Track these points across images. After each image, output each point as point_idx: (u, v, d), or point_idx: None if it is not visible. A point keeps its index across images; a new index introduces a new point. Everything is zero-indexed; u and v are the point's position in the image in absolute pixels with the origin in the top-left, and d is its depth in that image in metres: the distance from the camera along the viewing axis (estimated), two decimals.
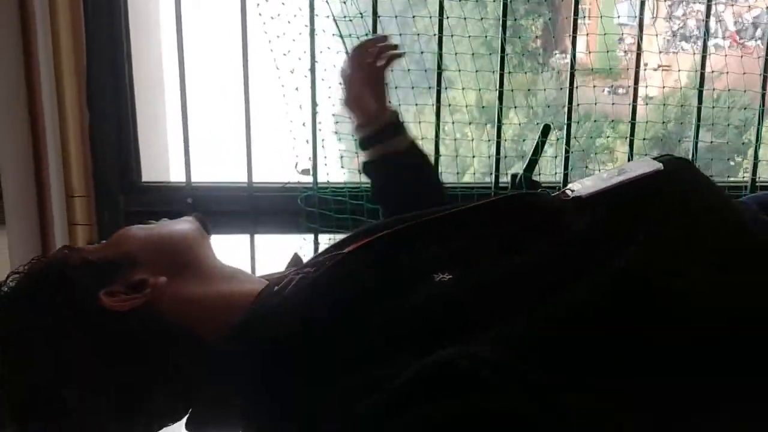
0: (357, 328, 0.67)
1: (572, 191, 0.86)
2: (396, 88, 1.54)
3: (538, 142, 1.59)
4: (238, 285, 0.81)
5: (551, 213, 0.83)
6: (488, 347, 0.60)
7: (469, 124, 1.74)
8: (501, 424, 0.53)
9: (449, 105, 1.71)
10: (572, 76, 1.65)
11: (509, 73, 1.64)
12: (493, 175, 1.63)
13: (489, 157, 1.76)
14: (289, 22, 1.50)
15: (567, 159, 1.63)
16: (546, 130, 1.58)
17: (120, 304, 0.73)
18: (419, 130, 1.62)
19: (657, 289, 0.69)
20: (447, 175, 1.70)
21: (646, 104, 1.73)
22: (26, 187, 1.48)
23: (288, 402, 0.66)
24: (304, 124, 1.55)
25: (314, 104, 1.55)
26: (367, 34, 1.51)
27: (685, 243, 0.74)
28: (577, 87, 1.65)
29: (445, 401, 0.54)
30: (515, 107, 1.72)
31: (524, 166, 1.62)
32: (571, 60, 1.63)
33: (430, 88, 1.64)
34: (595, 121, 2.57)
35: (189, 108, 1.58)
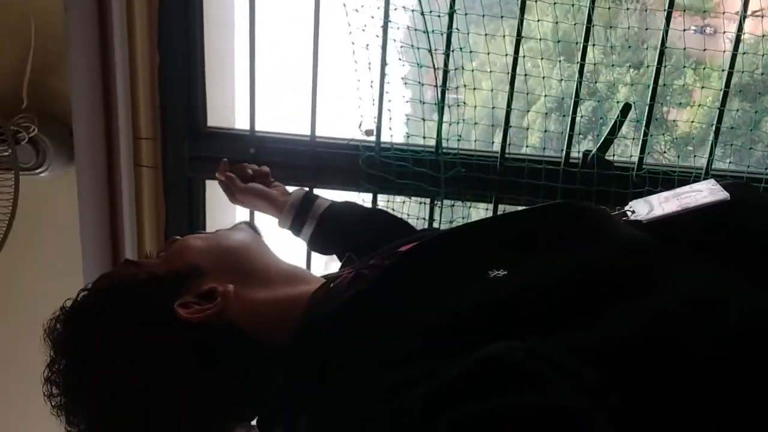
0: (412, 325, 0.66)
1: (632, 212, 0.82)
2: (466, 15, 1.46)
3: (616, 121, 1.50)
4: (299, 286, 0.82)
5: (607, 223, 0.80)
6: (543, 342, 0.59)
7: (540, 59, 1.63)
8: (553, 420, 0.51)
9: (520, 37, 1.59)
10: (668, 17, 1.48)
11: (590, 6, 1.49)
12: (564, 152, 1.56)
13: (562, 95, 1.65)
14: None
15: (644, 143, 1.53)
16: (626, 109, 1.49)
17: (196, 315, 0.73)
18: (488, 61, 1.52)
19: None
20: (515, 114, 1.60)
21: (744, 52, 1.53)
22: (96, 128, 1.51)
23: (341, 392, 0.66)
24: (371, 84, 1.50)
25: (384, 64, 1.50)
26: None
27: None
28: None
29: (499, 395, 0.53)
30: (593, 44, 1.56)
31: (598, 144, 1.54)
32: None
33: (502, 17, 1.55)
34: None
35: (257, 59, 1.55)
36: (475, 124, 1.57)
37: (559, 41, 1.68)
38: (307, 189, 1.30)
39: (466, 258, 0.76)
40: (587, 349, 0.60)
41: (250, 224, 0.91)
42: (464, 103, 1.56)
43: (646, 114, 1.55)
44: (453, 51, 1.50)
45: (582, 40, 1.50)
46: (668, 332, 0.63)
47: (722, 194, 0.76)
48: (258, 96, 1.62)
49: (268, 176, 1.33)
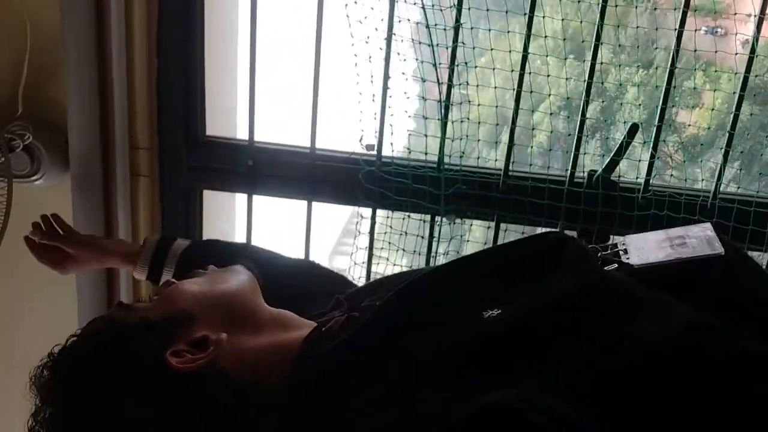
0: (404, 366, 0.66)
1: (624, 252, 0.82)
2: (469, 9, 1.43)
3: (622, 142, 1.47)
4: (291, 331, 0.81)
5: (592, 263, 0.80)
6: (542, 392, 0.58)
7: (546, 56, 1.59)
8: None
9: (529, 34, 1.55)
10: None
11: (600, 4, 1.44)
12: (569, 171, 1.52)
13: (567, 95, 1.61)
14: None
15: (651, 165, 1.50)
16: (633, 131, 1.46)
17: (188, 365, 0.71)
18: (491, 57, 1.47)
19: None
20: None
21: (756, 55, 1.47)
22: (92, 136, 1.49)
23: None
24: (373, 98, 1.47)
25: (386, 77, 1.47)
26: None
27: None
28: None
29: None
30: (601, 43, 1.50)
31: (604, 165, 1.51)
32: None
33: (507, 11, 1.51)
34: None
35: (258, 70, 1.52)
36: (479, 141, 1.53)
37: (564, 39, 1.63)
38: (161, 234, 1.31)
39: (460, 296, 0.75)
40: (585, 393, 0.59)
41: (248, 266, 0.89)
42: (467, 118, 1.52)
43: (654, 134, 1.52)
44: (458, 65, 1.46)
45: (593, 40, 1.45)
46: (656, 365, 0.62)
47: (718, 248, 0.75)
48: (260, 106, 1.60)
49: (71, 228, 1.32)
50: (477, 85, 1.48)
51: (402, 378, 0.64)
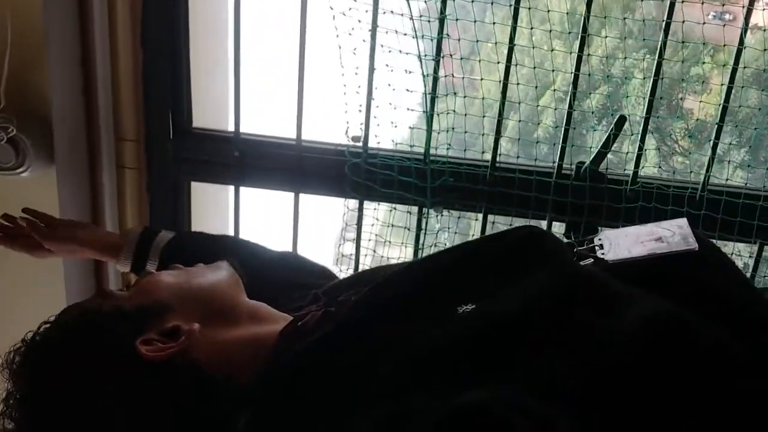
0: (378, 364, 0.66)
1: (600, 247, 0.82)
2: (457, 20, 1.41)
3: (610, 134, 1.45)
4: (266, 325, 0.81)
5: (567, 257, 0.80)
6: (518, 390, 0.58)
7: (549, 31, 1.57)
8: None
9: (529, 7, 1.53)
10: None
11: None
12: (556, 164, 1.51)
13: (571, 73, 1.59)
14: None
15: (639, 157, 1.48)
16: (620, 122, 1.44)
17: (157, 354, 0.71)
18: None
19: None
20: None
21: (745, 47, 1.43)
22: (76, 128, 1.48)
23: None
24: (359, 90, 1.46)
25: (371, 69, 1.45)
26: None
27: None
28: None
29: None
30: (588, 34, 1.45)
31: (591, 157, 1.50)
32: None
33: (492, 2, 1.48)
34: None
35: (246, 62, 1.51)
36: (465, 132, 1.52)
37: (550, 30, 1.60)
38: (144, 226, 1.30)
39: (435, 292, 0.75)
40: (563, 390, 0.59)
41: (233, 264, 0.89)
42: (453, 110, 1.51)
43: (642, 125, 1.50)
44: (443, 57, 1.45)
45: (580, 32, 1.43)
46: (633, 359, 0.62)
47: (692, 244, 0.75)
48: (248, 98, 1.59)
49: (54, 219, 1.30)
50: (463, 77, 1.47)
51: (375, 377, 0.64)
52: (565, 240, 0.90)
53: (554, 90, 1.61)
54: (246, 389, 0.72)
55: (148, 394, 0.71)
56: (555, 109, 1.61)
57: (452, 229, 1.60)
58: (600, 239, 0.83)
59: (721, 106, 1.43)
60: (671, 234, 0.77)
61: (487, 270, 0.77)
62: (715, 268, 0.78)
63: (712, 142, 1.47)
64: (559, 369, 0.61)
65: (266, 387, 0.72)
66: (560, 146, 1.50)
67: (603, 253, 0.80)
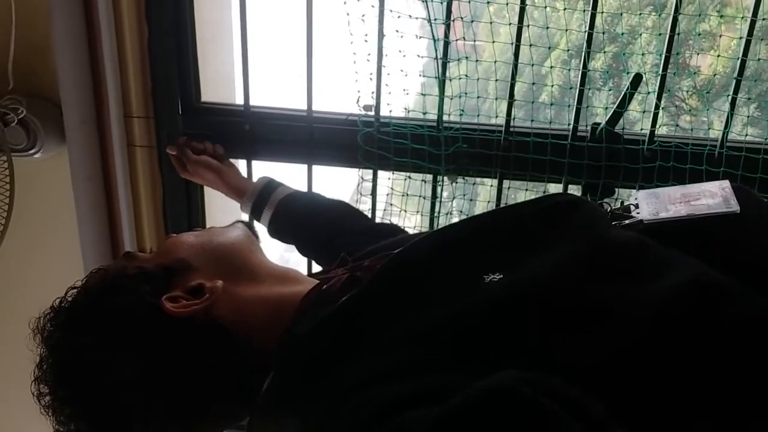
0: (405, 334, 0.64)
1: (636, 205, 0.79)
2: None
3: (625, 94, 1.42)
4: (291, 286, 0.82)
5: (601, 226, 0.77)
6: (547, 370, 0.55)
7: (545, 8, 1.53)
8: None
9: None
10: None
11: None
12: (571, 126, 1.49)
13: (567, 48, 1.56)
14: None
15: (656, 115, 1.45)
16: (636, 81, 1.41)
17: (182, 309, 0.73)
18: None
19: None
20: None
21: None
22: (85, 106, 1.47)
23: (331, 401, 0.64)
24: (369, 58, 1.43)
25: (381, 36, 1.43)
26: None
27: None
28: None
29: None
30: None
31: (607, 118, 1.47)
32: None
33: None
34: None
35: (251, 31, 1.48)
36: (478, 98, 1.49)
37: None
38: (270, 178, 1.38)
39: (461, 259, 0.73)
40: (588, 370, 0.57)
41: (248, 224, 0.91)
42: (465, 75, 1.48)
43: (658, 84, 1.47)
44: (454, 20, 1.42)
45: None
46: (666, 332, 0.59)
47: (733, 206, 0.73)
48: (256, 70, 1.56)
49: (223, 156, 1.46)
50: (474, 41, 1.44)
51: (399, 350, 0.63)
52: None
53: (567, 50, 1.57)
54: (267, 356, 0.73)
55: (174, 350, 0.72)
56: (569, 70, 1.57)
57: (467, 195, 1.58)
58: (636, 198, 0.81)
59: (740, 60, 1.39)
60: (712, 195, 0.75)
61: (518, 237, 0.75)
62: (758, 231, 0.75)
63: (729, 98, 1.44)
64: (587, 346, 0.59)
65: (287, 352, 0.72)
66: (575, 107, 1.47)
67: (638, 213, 0.78)
